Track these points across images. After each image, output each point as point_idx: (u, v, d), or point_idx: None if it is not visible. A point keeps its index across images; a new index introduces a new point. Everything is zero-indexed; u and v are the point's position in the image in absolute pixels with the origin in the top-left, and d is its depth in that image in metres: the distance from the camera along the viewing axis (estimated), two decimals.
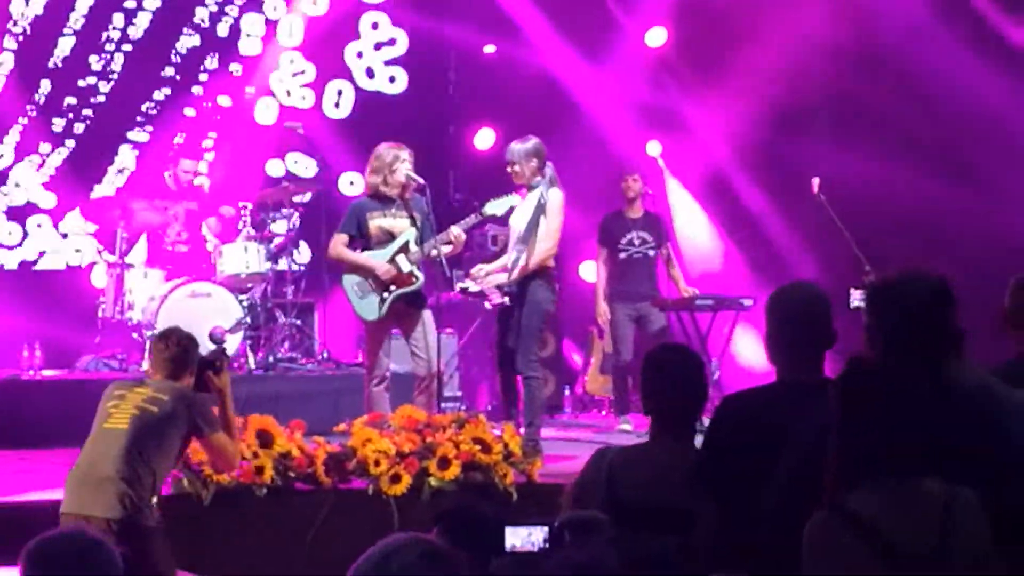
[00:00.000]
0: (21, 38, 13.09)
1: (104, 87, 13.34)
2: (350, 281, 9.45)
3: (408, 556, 3.12)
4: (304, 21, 14.14)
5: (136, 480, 6.28)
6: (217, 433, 6.62)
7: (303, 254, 12.42)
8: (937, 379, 4.23)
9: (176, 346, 6.71)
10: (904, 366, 4.22)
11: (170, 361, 6.69)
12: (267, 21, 14.04)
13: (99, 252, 12.42)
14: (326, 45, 14.20)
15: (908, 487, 3.80)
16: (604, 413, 13.17)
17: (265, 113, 13.96)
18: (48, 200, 13.24)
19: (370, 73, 14.43)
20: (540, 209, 9.37)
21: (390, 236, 9.40)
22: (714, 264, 13.99)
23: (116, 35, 13.38)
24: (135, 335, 11.48)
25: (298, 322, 12.21)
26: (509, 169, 9.55)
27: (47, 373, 11.15)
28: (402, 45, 14.50)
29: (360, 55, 14.43)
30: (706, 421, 4.99)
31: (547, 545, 4.38)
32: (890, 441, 3.83)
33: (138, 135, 13.53)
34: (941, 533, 3.75)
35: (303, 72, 14.19)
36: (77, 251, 13.23)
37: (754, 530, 4.54)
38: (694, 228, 14.20)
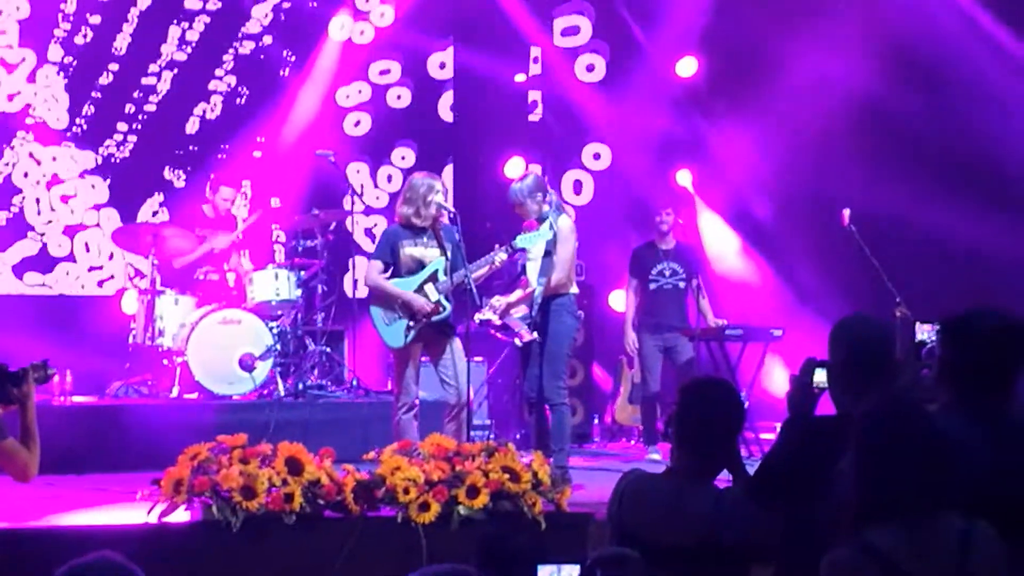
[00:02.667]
0: (71, 62, 13.21)
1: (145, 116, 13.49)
2: (377, 309, 9.47)
3: None
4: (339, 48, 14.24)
5: None
6: (5, 440, 6.53)
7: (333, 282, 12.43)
8: (998, 417, 4.24)
9: None
10: (974, 401, 4.24)
11: None
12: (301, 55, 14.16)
13: (130, 278, 12.47)
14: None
15: (927, 521, 3.78)
16: (633, 442, 13.15)
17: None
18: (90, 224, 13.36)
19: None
20: (553, 238, 9.41)
21: (420, 265, 9.42)
22: (745, 293, 13.96)
23: (163, 60, 13.55)
24: (165, 361, 11.51)
25: (328, 349, 12.21)
26: (516, 210, 9.62)
27: (77, 399, 11.16)
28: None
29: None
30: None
31: None
32: (922, 479, 3.81)
33: (180, 164, 13.66)
34: (959, 567, 3.74)
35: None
36: (109, 276, 13.30)
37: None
38: (725, 257, 14.17)
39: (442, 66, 14.66)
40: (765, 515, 4.82)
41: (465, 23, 14.42)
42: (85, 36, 13.30)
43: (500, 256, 9.42)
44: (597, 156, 14.68)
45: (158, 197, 13.55)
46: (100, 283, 13.43)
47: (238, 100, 13.93)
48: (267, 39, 13.99)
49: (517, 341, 9.47)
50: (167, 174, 13.63)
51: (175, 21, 13.64)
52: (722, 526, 4.78)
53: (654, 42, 14.29)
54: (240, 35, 13.91)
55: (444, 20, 14.41)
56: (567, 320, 9.60)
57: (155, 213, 13.43)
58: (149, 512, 7.38)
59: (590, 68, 14.55)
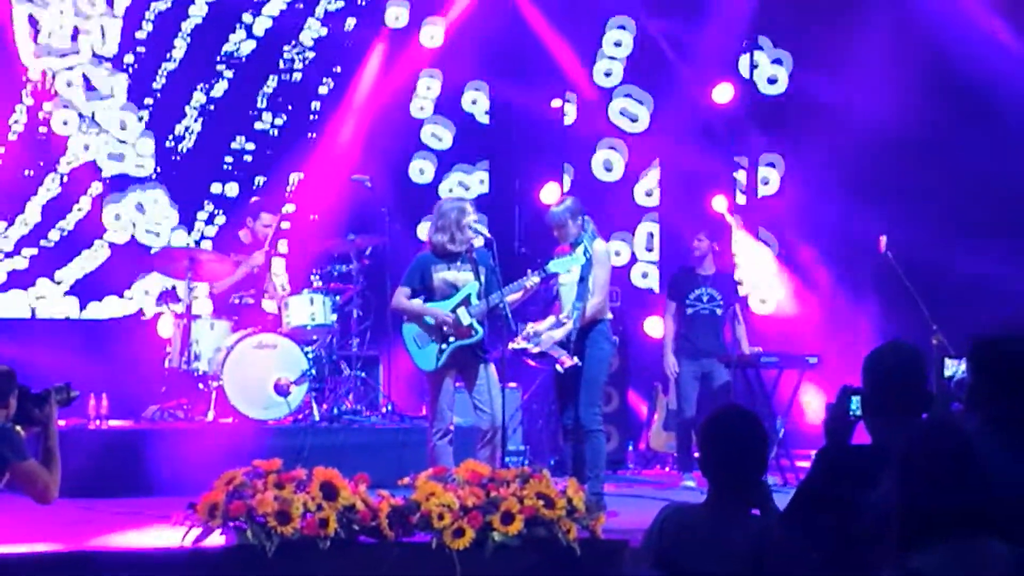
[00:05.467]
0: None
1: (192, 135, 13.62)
2: (410, 331, 9.49)
3: None
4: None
5: None
6: (25, 461, 6.54)
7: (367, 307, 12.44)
8: None
9: None
10: (1006, 425, 4.22)
11: None
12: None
13: (165, 303, 12.50)
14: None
15: (973, 548, 3.76)
16: (667, 469, 13.10)
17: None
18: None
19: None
20: (588, 263, 9.40)
21: (453, 288, 9.42)
22: (781, 318, 13.93)
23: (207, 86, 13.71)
24: (201, 386, 11.54)
25: (363, 374, 12.23)
26: (556, 232, 9.62)
27: (113, 423, 11.19)
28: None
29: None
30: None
31: None
32: (965, 504, 3.79)
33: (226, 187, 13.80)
34: None
35: None
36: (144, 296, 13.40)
37: None
38: (761, 284, 14.15)
39: (474, 102, 14.66)
40: (802, 544, 4.80)
41: (501, 56, 14.39)
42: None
43: (532, 280, 9.41)
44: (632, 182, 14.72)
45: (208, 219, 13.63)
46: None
47: (271, 131, 14.00)
48: (306, 56, 14.04)
49: (558, 367, 9.44)
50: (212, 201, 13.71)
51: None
52: (761, 556, 4.75)
53: (690, 67, 14.29)
54: (279, 63, 13.98)
55: (480, 54, 14.36)
56: (604, 346, 9.61)
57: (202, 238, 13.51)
58: (184, 537, 7.40)
59: (623, 112, 14.63)
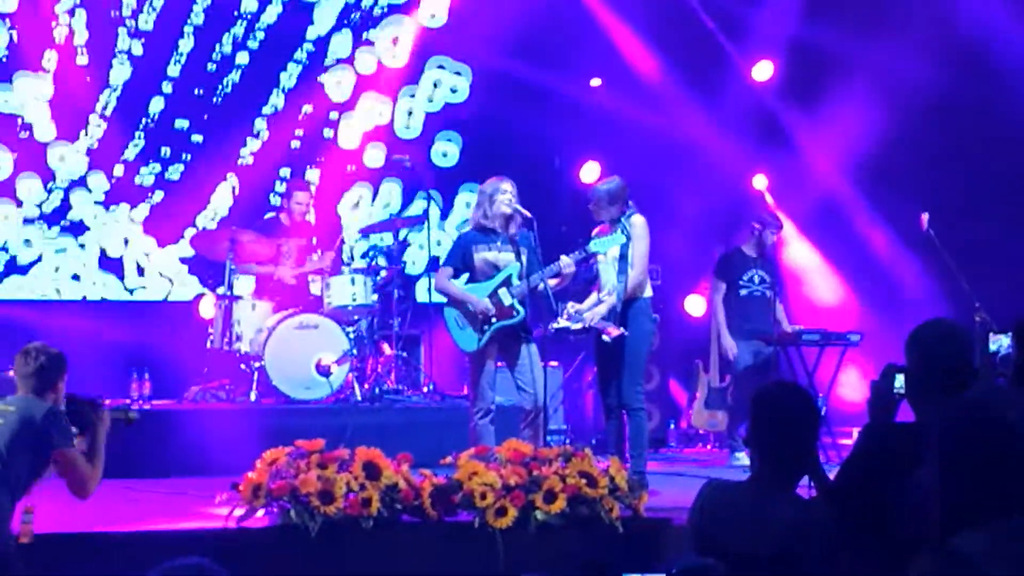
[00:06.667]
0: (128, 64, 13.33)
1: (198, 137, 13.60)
2: (451, 313, 9.50)
3: None
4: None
5: None
6: (70, 448, 6.59)
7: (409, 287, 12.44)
8: None
9: (34, 361, 6.73)
10: None
11: (29, 377, 6.73)
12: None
13: (208, 283, 12.54)
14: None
15: (1018, 529, 3.74)
16: (709, 447, 13.11)
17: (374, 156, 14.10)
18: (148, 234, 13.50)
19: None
20: (628, 240, 9.37)
21: (495, 269, 9.42)
22: (823, 299, 13.87)
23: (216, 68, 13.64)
24: (243, 366, 11.57)
25: (404, 354, 12.24)
26: (592, 207, 9.59)
27: (156, 403, 11.25)
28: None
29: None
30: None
31: None
32: (1005, 481, 3.77)
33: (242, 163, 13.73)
34: None
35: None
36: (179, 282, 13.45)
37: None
38: (803, 262, 14.09)
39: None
40: (845, 523, 4.79)
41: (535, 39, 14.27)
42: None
43: (573, 258, 9.37)
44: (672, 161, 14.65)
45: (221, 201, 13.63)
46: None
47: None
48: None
49: (605, 337, 9.38)
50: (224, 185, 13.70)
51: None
52: (803, 535, 4.73)
53: (736, 45, 14.21)
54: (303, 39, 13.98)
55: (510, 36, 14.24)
56: (645, 324, 9.58)
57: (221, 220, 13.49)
58: (228, 516, 7.43)
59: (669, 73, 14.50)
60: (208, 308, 12.46)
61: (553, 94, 14.23)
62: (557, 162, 14.43)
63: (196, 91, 13.46)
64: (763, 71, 14.09)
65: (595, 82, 14.50)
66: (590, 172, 13.95)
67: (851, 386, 12.33)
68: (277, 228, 12.30)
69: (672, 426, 13.66)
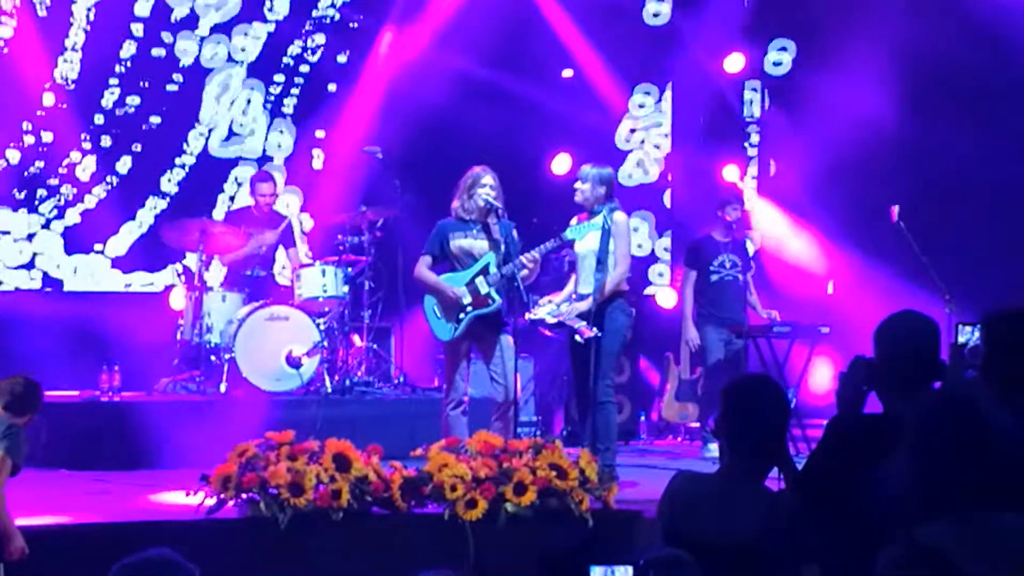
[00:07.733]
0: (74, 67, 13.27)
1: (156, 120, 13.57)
2: (430, 302, 9.49)
3: None
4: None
5: None
6: (6, 457, 6.51)
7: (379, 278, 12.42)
8: None
9: (19, 388, 6.73)
10: (1020, 397, 4.22)
11: (6, 394, 6.70)
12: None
13: (178, 275, 12.51)
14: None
15: (986, 520, 3.76)
16: (679, 439, 13.12)
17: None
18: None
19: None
20: (607, 233, 9.36)
21: (471, 257, 9.41)
22: (793, 289, 13.91)
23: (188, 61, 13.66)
24: (213, 358, 11.54)
25: (375, 346, 12.22)
26: (577, 186, 9.58)
27: (126, 395, 11.21)
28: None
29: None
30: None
31: None
32: (977, 473, 3.78)
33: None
34: (1016, 564, 3.71)
35: None
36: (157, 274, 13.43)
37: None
38: (777, 249, 14.14)
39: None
40: (814, 515, 4.80)
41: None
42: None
43: (547, 246, 9.36)
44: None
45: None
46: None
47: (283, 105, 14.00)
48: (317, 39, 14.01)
49: (578, 338, 9.39)
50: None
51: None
52: (771, 526, 4.75)
53: (701, 36, 14.24)
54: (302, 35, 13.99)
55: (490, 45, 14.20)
56: (621, 319, 9.56)
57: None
58: (198, 508, 7.42)
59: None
60: (178, 299, 12.41)
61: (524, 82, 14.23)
62: (527, 154, 14.40)
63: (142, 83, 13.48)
64: (735, 63, 14.13)
65: (567, 73, 14.49)
66: (561, 164, 13.96)
67: (821, 378, 12.37)
68: (247, 218, 12.27)
69: (643, 418, 13.66)
